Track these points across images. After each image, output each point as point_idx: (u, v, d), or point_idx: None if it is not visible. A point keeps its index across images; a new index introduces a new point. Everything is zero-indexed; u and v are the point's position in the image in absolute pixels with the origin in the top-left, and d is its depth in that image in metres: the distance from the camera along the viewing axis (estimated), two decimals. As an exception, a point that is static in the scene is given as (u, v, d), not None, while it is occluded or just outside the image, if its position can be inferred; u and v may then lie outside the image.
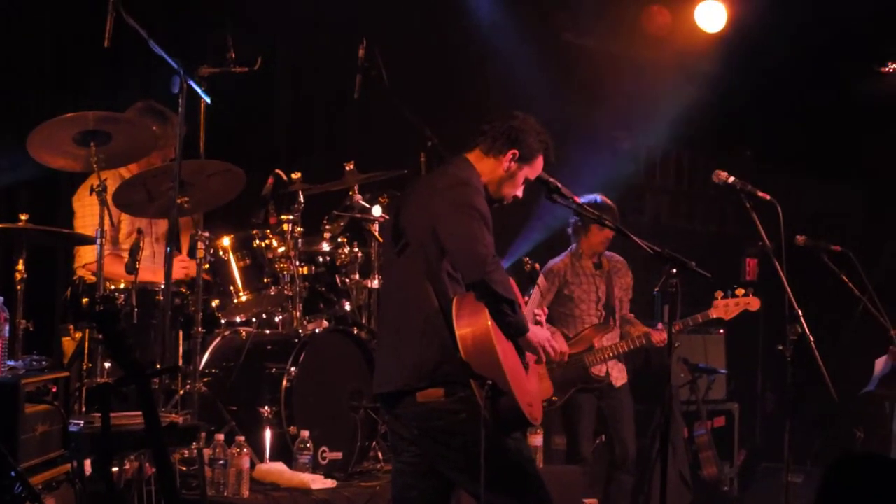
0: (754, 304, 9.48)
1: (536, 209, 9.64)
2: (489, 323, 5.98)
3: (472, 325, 6.01)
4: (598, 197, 9.43)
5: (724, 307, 9.41)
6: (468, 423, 6.04)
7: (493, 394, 5.95)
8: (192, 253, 8.18)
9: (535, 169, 6.48)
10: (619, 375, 9.76)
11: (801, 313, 8.38)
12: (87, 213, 8.02)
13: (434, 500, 6.40)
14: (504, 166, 6.41)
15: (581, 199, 6.89)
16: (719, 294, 9.49)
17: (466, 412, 6.06)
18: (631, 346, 9.47)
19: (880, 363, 10.00)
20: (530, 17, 11.25)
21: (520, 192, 6.58)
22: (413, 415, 6.20)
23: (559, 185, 6.61)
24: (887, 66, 12.28)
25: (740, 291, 9.51)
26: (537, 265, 8.80)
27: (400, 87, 8.93)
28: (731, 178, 8.20)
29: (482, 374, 5.94)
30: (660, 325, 9.55)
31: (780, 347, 9.18)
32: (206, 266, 8.06)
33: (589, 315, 9.76)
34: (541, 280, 8.89)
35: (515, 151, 6.40)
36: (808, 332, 8.43)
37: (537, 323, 6.65)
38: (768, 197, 8.59)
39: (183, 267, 8.19)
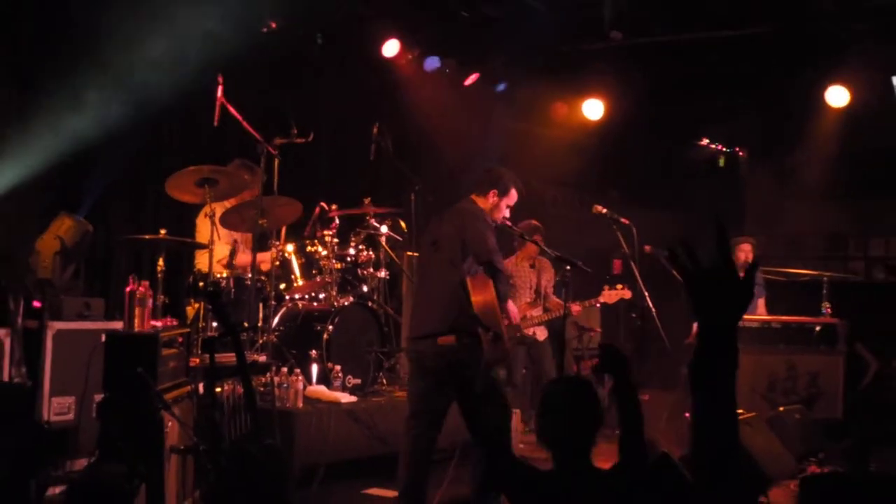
0: (627, 294, 9.49)
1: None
2: (494, 293, 6.21)
3: (482, 294, 6.24)
4: (532, 221, 9.42)
5: (608, 295, 9.42)
6: (468, 359, 6.20)
7: (494, 338, 6.12)
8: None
9: (512, 198, 6.73)
10: (541, 333, 9.76)
11: (647, 294, 8.41)
12: (203, 230, 8.01)
13: (438, 412, 6.43)
14: (490, 201, 6.59)
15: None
16: (606, 287, 9.51)
17: (468, 351, 6.17)
18: (551, 315, 9.46)
19: (696, 326, 9.99)
20: (480, 108, 11.22)
21: (507, 214, 6.81)
22: (433, 352, 6.28)
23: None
24: (702, 140, 12.35)
25: (619, 286, 9.52)
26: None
27: (399, 152, 8.95)
28: (604, 210, 8.21)
29: (488, 325, 6.11)
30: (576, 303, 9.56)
31: (633, 315, 9.20)
32: (277, 262, 8.07)
33: (523, 297, 9.78)
34: None
35: (495, 190, 6.57)
36: (651, 305, 8.46)
37: None
38: (627, 221, 8.62)
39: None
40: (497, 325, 6.21)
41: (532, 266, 9.80)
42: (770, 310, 10.24)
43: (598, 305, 9.58)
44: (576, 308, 9.47)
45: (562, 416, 4.05)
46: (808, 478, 6.39)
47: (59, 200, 7.85)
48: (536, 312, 9.56)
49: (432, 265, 6.60)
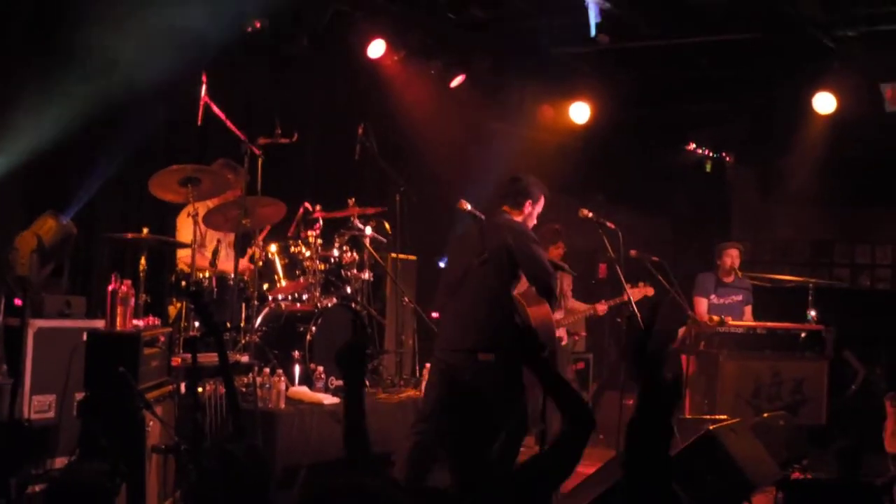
0: (650, 290, 9.55)
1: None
2: (549, 311, 6.22)
3: (539, 309, 6.24)
4: (555, 226, 9.49)
5: (633, 293, 9.49)
6: (503, 379, 6.17)
7: (547, 355, 6.10)
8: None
9: (541, 204, 6.79)
10: (564, 338, 9.81)
11: (632, 298, 8.45)
12: (184, 229, 8.02)
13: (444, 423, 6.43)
14: (526, 212, 6.62)
15: None
16: (629, 285, 9.57)
17: (504, 372, 6.18)
18: (574, 318, 9.55)
19: (682, 331, 10.04)
20: (466, 110, 11.24)
21: (536, 220, 6.87)
22: (470, 367, 6.27)
23: (480, 214, 6.75)
24: (689, 145, 12.39)
25: (641, 283, 9.58)
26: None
27: (383, 153, 8.98)
28: (591, 213, 8.24)
29: (544, 342, 6.08)
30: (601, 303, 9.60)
31: (619, 319, 9.24)
32: (261, 263, 8.08)
33: None
34: None
35: (530, 201, 6.59)
36: (636, 310, 8.49)
37: None
38: (613, 226, 8.64)
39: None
40: (552, 343, 6.24)
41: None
42: (755, 316, 10.30)
43: (621, 301, 9.61)
44: (602, 307, 9.52)
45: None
46: (790, 483, 6.42)
47: (47, 199, 7.83)
48: (559, 315, 9.60)
49: (477, 279, 6.51)
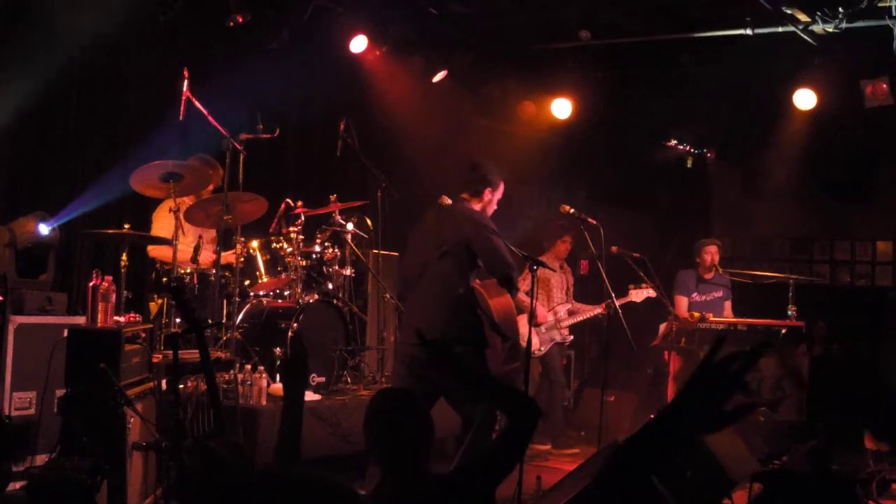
0: (653, 293, 9.60)
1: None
2: (511, 301, 6.22)
3: (500, 300, 6.22)
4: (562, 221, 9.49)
5: (636, 293, 9.56)
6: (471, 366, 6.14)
7: (511, 346, 6.12)
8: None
9: (500, 191, 6.78)
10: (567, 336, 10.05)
11: (613, 295, 8.48)
12: (162, 224, 8.01)
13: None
14: (486, 199, 6.62)
15: None
16: (632, 286, 9.63)
17: (472, 359, 6.24)
18: (578, 318, 9.60)
19: (663, 326, 10.08)
20: (448, 106, 11.25)
21: (496, 206, 6.84)
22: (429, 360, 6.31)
23: None
24: (670, 141, 12.43)
25: (644, 284, 9.63)
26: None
27: (365, 148, 9.00)
28: (572, 210, 8.26)
29: (507, 333, 6.11)
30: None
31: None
32: (242, 259, 8.08)
33: (556, 297, 9.97)
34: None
35: (489, 188, 6.59)
36: (617, 307, 8.53)
37: None
38: (595, 222, 8.67)
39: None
40: (515, 334, 6.25)
41: (561, 267, 9.80)
42: (736, 312, 10.35)
43: (625, 301, 9.65)
44: (603, 309, 9.52)
45: (389, 428, 3.78)
46: (765, 475, 6.46)
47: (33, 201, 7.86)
48: (564, 313, 9.65)
49: (436, 271, 6.55)
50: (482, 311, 6.37)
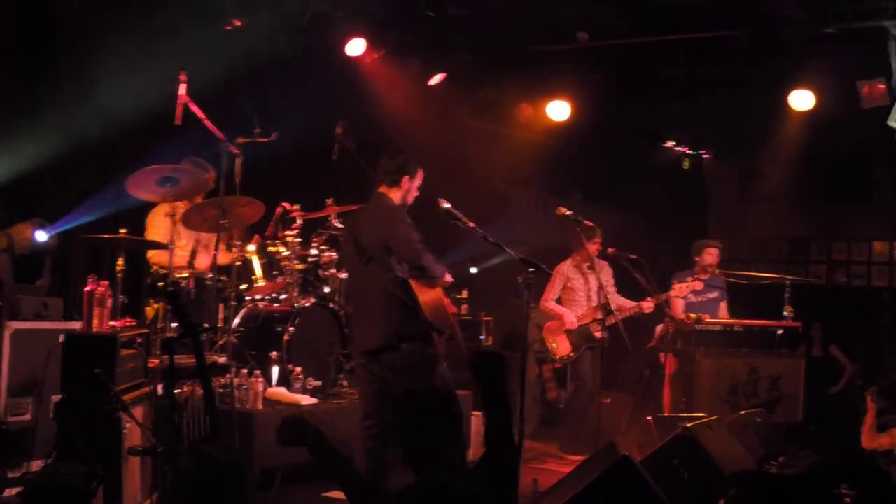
0: (699, 285, 9.62)
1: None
2: (440, 293, 6.20)
3: (429, 295, 6.21)
4: (587, 222, 9.20)
5: (679, 289, 9.57)
6: (418, 363, 6.28)
7: (449, 339, 6.11)
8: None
9: (419, 177, 6.75)
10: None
11: (609, 293, 8.47)
12: (156, 229, 8.00)
13: (388, 411, 6.42)
14: (404, 188, 6.59)
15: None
16: (675, 281, 9.67)
17: (418, 355, 6.25)
18: (622, 316, 9.43)
19: (659, 328, 10.08)
20: (445, 108, 11.23)
21: (417, 193, 6.80)
22: (384, 359, 6.30)
23: (459, 214, 6.71)
24: (666, 142, 12.42)
25: (689, 278, 9.75)
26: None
27: (362, 152, 8.98)
28: (568, 211, 8.25)
29: (441, 327, 6.10)
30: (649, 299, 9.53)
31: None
32: (239, 263, 8.07)
33: (579, 300, 9.79)
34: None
35: (407, 177, 6.57)
36: (612, 309, 8.52)
37: None
38: (591, 224, 8.67)
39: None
40: (449, 325, 6.24)
41: (590, 267, 9.62)
42: (732, 313, 10.34)
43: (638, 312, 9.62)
44: (648, 305, 9.46)
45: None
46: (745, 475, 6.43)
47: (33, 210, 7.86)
48: (601, 315, 9.52)
49: (367, 276, 6.56)
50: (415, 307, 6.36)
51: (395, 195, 6.64)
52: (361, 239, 6.54)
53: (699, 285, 9.61)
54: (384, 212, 6.57)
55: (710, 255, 10.28)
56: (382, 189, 6.69)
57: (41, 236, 7.40)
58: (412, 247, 6.40)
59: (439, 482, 3.85)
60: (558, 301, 9.73)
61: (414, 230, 6.46)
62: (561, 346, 9.67)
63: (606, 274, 9.70)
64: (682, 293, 9.66)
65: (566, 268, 9.73)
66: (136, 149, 8.37)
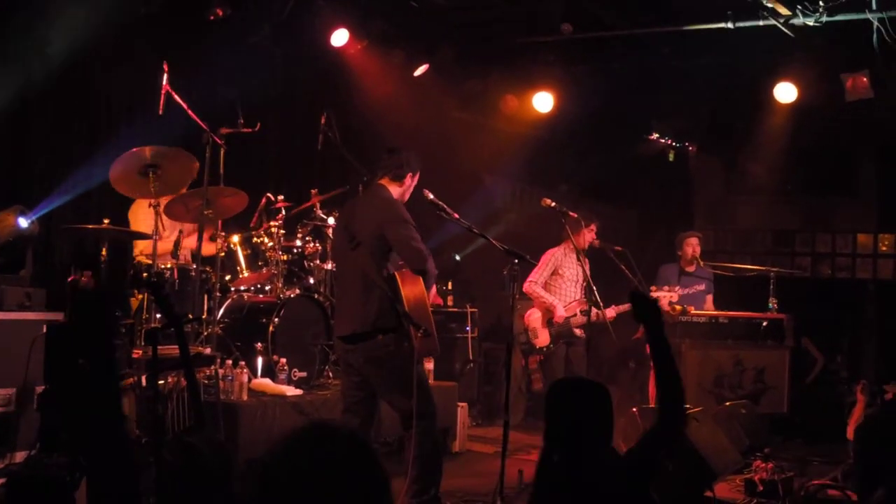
0: (675, 296, 9.60)
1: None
2: (423, 289, 6.17)
3: (413, 290, 6.17)
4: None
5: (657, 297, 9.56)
6: (395, 355, 6.20)
7: (424, 334, 6.09)
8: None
9: (417, 177, 6.63)
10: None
11: (594, 287, 8.48)
12: (140, 220, 7.97)
13: (368, 405, 6.47)
14: (406, 184, 6.56)
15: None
16: (653, 287, 9.66)
17: (394, 347, 6.15)
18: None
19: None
20: (430, 99, 11.21)
21: (411, 191, 6.75)
22: (360, 349, 6.27)
23: (444, 205, 6.69)
24: (652, 134, 12.42)
25: (666, 287, 9.67)
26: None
27: (346, 142, 8.96)
28: (553, 203, 8.24)
29: (419, 322, 6.08)
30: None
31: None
32: (223, 254, 8.04)
33: (570, 291, 9.81)
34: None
35: (411, 173, 6.54)
36: (598, 299, 8.53)
37: None
38: (576, 215, 8.67)
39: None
40: (427, 322, 6.21)
41: (578, 258, 9.54)
42: (717, 305, 10.37)
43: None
44: (610, 313, 9.32)
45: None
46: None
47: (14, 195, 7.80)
48: (586, 306, 9.49)
49: (351, 262, 6.49)
50: (397, 301, 6.33)
51: (395, 190, 6.60)
52: (353, 224, 6.49)
53: (674, 297, 9.61)
54: (383, 202, 6.51)
55: (691, 246, 10.32)
56: (384, 181, 6.64)
57: (23, 223, 7.36)
58: (417, 252, 6.28)
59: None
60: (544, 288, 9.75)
61: (415, 229, 6.41)
62: (541, 337, 9.69)
63: (585, 267, 9.75)
64: (663, 302, 9.53)
65: (560, 253, 9.73)
66: (118, 137, 8.35)
